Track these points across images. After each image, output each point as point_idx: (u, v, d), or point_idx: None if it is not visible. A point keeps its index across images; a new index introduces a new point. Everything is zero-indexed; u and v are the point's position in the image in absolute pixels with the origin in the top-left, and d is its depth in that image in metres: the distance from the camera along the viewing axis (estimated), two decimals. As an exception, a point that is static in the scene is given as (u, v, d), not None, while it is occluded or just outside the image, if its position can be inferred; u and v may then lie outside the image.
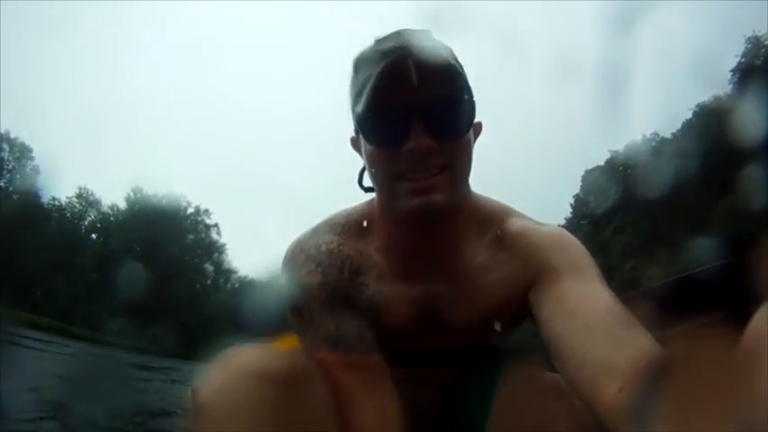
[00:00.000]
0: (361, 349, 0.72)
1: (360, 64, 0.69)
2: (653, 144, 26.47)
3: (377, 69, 0.63)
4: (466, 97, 0.68)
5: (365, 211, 0.81)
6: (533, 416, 0.65)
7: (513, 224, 0.77)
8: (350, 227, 0.80)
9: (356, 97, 0.68)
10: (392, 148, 0.65)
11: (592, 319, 0.59)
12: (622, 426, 0.47)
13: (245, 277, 35.57)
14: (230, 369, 0.61)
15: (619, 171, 25.68)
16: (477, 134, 0.74)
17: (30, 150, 33.44)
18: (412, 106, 0.63)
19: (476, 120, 0.72)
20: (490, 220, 0.78)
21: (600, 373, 0.54)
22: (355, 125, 0.72)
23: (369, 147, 0.69)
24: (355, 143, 0.75)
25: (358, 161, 0.78)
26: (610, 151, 29.05)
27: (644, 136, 27.56)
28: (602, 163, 30.35)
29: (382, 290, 0.76)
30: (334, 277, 0.75)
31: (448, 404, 0.84)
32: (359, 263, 0.77)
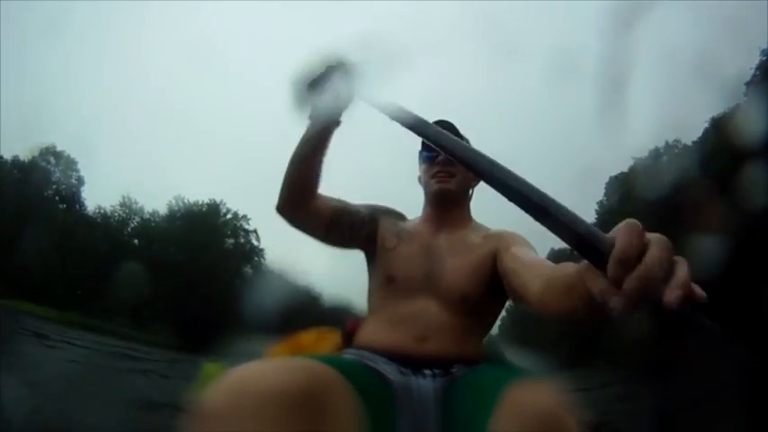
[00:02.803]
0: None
1: None
2: (675, 151, 26.56)
3: None
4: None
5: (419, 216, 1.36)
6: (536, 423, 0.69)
7: (489, 227, 1.30)
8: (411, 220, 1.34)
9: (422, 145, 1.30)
10: (433, 162, 1.25)
11: (534, 266, 0.99)
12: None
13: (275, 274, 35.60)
14: (232, 388, 0.64)
15: (642, 178, 25.90)
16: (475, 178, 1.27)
17: (74, 162, 35.17)
18: None
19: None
20: (479, 226, 1.30)
21: (537, 283, 0.92)
22: (419, 163, 1.31)
23: (423, 165, 1.29)
24: (420, 179, 1.32)
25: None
26: (633, 158, 29.25)
27: (666, 143, 27.70)
28: (625, 169, 30.58)
29: (410, 232, 1.23)
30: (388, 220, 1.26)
31: (447, 403, 0.97)
32: (406, 225, 1.28)
